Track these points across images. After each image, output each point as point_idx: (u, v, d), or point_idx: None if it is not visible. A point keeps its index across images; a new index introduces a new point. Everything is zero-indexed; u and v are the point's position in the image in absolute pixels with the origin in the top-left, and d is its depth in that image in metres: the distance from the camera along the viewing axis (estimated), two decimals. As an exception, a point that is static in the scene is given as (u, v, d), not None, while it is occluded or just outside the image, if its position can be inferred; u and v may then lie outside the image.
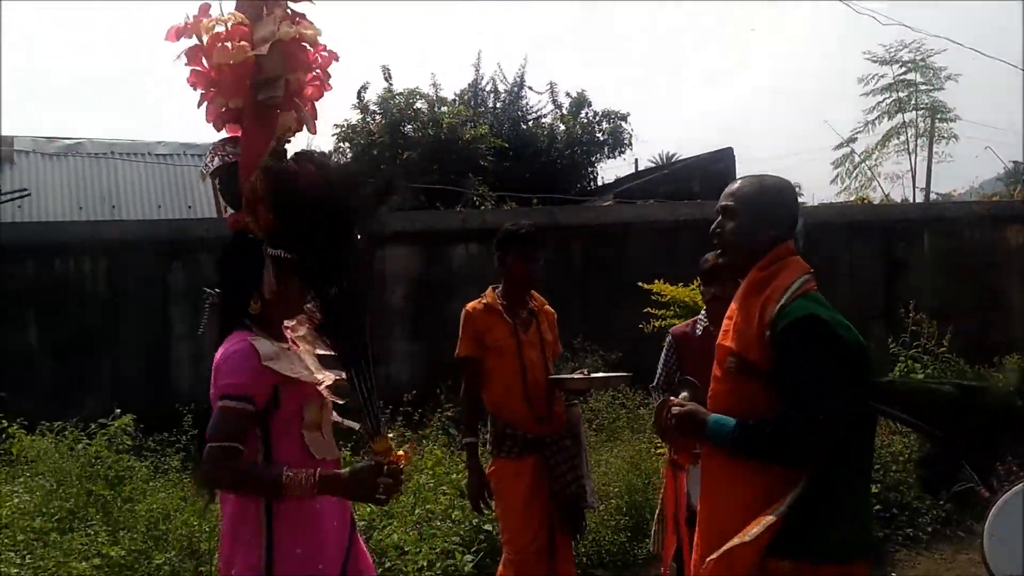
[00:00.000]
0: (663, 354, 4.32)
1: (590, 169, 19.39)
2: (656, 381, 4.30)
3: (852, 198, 17.67)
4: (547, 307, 4.15)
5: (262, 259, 2.39)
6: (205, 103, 2.48)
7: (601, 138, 19.22)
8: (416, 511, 5.79)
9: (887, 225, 11.23)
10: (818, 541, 2.27)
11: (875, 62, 20.33)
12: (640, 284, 6.81)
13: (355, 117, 16.95)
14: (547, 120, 19.25)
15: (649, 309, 6.67)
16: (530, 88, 19.25)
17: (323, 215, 2.33)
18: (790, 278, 2.39)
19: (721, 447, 2.38)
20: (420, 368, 9.16)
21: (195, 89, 2.49)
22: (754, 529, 2.21)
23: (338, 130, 16.83)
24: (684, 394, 2.67)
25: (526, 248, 3.90)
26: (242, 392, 2.27)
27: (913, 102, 20.21)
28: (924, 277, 11.10)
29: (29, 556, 5.18)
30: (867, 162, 20.82)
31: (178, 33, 2.42)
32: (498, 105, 18.92)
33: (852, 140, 20.64)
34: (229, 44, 2.38)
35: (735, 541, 2.22)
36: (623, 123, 19.29)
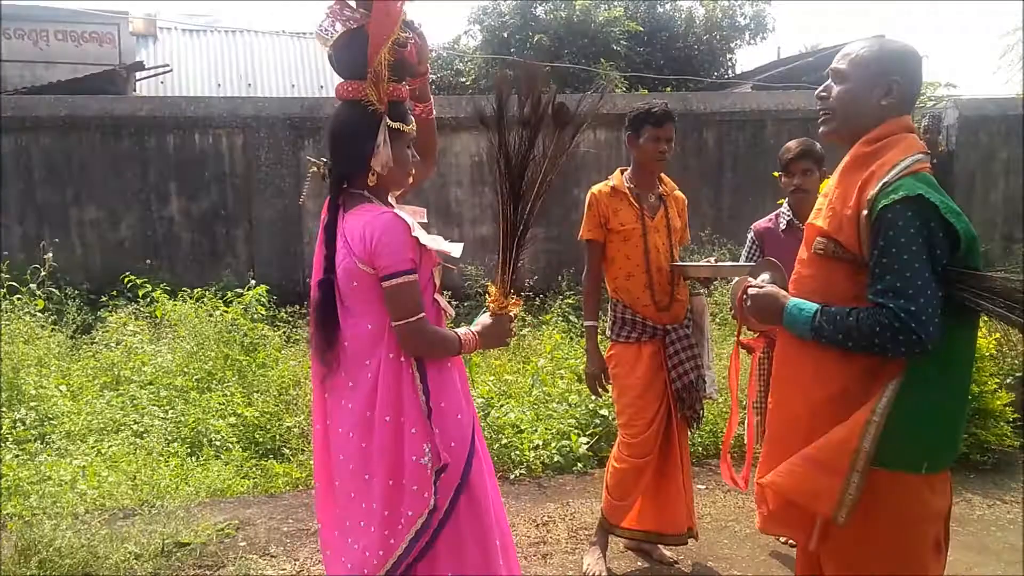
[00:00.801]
0: (744, 250, 4.15)
1: (729, 56, 18.48)
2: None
3: (1016, 92, 16.23)
4: (677, 192, 3.99)
5: (376, 130, 2.38)
6: None
7: (743, 23, 18.24)
8: (534, 392, 5.87)
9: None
10: (906, 446, 2.10)
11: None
12: (776, 174, 6.49)
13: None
14: (685, 3, 18.39)
15: (780, 200, 6.36)
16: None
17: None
18: (900, 155, 2.14)
19: (799, 333, 2.20)
20: (543, 254, 9.14)
21: None
22: (856, 433, 2.09)
23: (469, 12, 16.57)
24: (765, 276, 2.48)
25: (658, 128, 3.72)
26: (411, 266, 2.32)
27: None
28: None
29: (171, 411, 5.55)
30: (1037, 53, 18.99)
31: None
32: (634, -14, 18.17)
33: (1020, 28, 18.84)
34: None
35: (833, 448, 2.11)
36: (766, 7, 18.22)
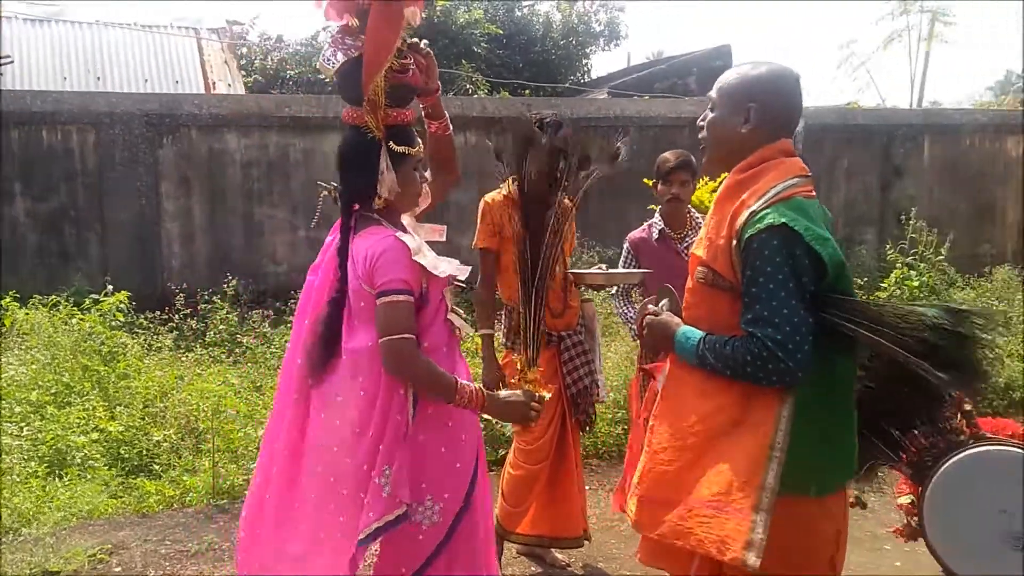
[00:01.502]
0: (621, 261, 4.27)
1: (585, 61, 18.93)
2: (616, 289, 4.29)
3: (850, 100, 17.43)
4: (566, 200, 4.07)
5: (378, 155, 2.45)
6: None
7: (598, 29, 18.71)
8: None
9: (888, 130, 11.09)
10: (795, 470, 2.06)
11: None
12: (645, 180, 6.70)
13: (344, -6, 16.33)
14: (543, 7, 18.70)
15: (652, 206, 6.57)
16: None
17: None
18: (772, 182, 2.13)
19: (687, 360, 2.20)
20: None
21: None
22: (758, 471, 2.04)
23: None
24: (664, 302, 2.49)
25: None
26: (403, 286, 2.35)
27: (919, 4, 19.80)
28: (922, 185, 11.07)
29: (27, 428, 5.17)
30: (866, 64, 20.49)
31: None
32: (493, -11, 18.32)
33: (853, 41, 20.25)
34: None
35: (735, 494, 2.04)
36: (620, 14, 18.78)
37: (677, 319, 2.31)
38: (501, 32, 16.27)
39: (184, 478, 4.91)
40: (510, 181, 3.89)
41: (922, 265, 8.42)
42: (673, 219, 4.11)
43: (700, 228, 4.08)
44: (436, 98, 2.70)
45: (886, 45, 20.43)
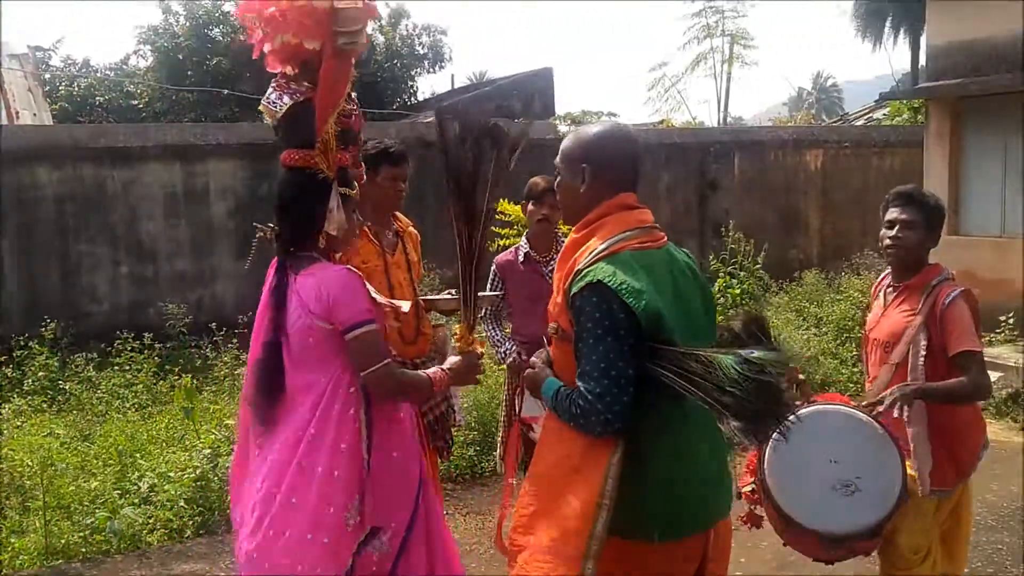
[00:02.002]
0: (488, 284, 4.32)
1: (410, 83, 19.00)
2: (483, 312, 4.36)
3: (663, 120, 18.36)
4: (411, 228, 4.07)
5: (326, 196, 2.53)
6: (261, 36, 2.60)
7: (421, 52, 18.82)
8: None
9: (701, 148, 11.77)
10: (634, 516, 2.14)
11: (688, -12, 21.08)
12: (521, 204, 6.81)
13: (156, 18, 15.68)
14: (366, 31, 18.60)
15: (493, 228, 6.68)
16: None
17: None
18: (603, 238, 2.22)
19: (550, 408, 2.29)
20: (251, 288, 8.77)
21: (248, 22, 2.63)
22: (588, 520, 2.12)
23: (138, 32, 15.50)
24: (544, 352, 2.54)
25: (396, 167, 3.78)
26: (369, 316, 2.44)
27: (720, 28, 21.14)
28: (734, 198, 11.81)
29: None
30: (676, 86, 21.68)
31: None
32: (313, 11, 18.05)
33: (664, 64, 21.37)
34: None
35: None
36: (443, 37, 18.98)
37: (548, 370, 2.37)
38: (325, 55, 16.08)
39: (12, 540, 4.54)
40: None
41: (742, 273, 8.98)
42: (540, 241, 4.19)
43: None
44: (359, 147, 2.83)
45: (693, 67, 21.64)
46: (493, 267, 4.32)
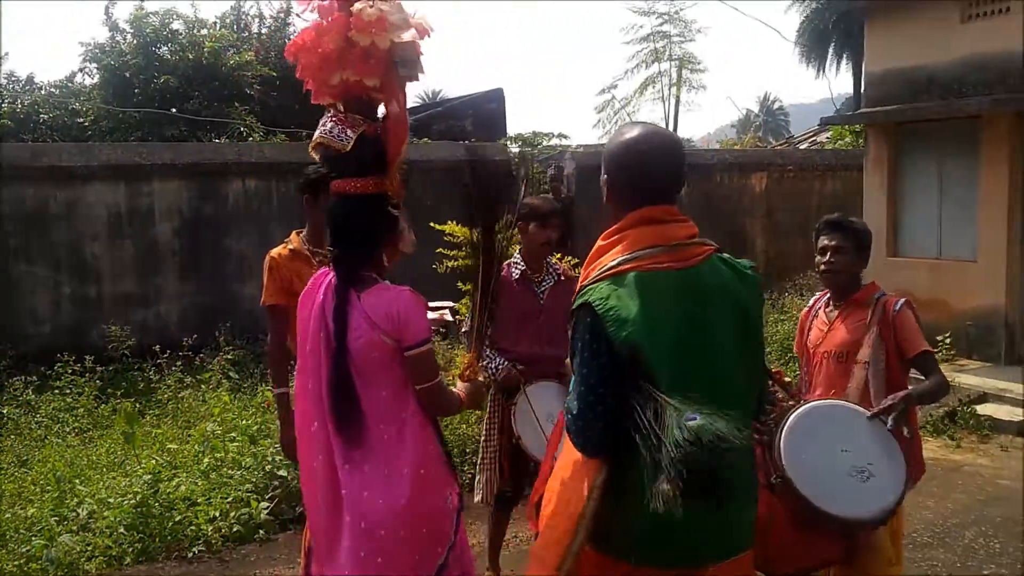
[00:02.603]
0: None
1: (361, 103, 18.93)
2: (466, 328, 4.36)
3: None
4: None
5: (395, 219, 2.76)
6: (317, 73, 2.78)
7: (372, 71, 18.79)
8: (205, 460, 5.56)
9: (650, 170, 11.90)
10: (613, 532, 2.15)
11: (636, 12, 21.48)
12: (432, 225, 6.82)
13: (103, 35, 15.46)
14: (317, 50, 18.51)
15: (441, 250, 6.70)
16: (297, 15, 18.40)
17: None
18: (616, 255, 2.15)
19: None
20: (193, 309, 8.69)
21: (302, 60, 2.79)
22: (568, 536, 2.15)
23: (84, 49, 15.25)
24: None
25: None
26: (429, 335, 2.64)
27: (668, 52, 21.48)
28: (682, 219, 11.95)
29: None
30: (626, 108, 21.94)
31: (321, 12, 2.77)
32: (263, 31, 17.93)
33: (613, 87, 21.63)
34: (377, 29, 2.69)
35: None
36: (395, 57, 18.96)
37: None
38: (275, 74, 15.97)
39: None
40: (295, 234, 3.85)
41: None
42: (534, 262, 4.20)
43: (554, 274, 4.21)
44: None
45: (641, 90, 21.93)
46: None
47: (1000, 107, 8.60)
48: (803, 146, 18.11)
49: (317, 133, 2.83)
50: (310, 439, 2.67)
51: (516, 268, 4.21)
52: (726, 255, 2.24)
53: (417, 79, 2.80)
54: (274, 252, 3.78)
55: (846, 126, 15.23)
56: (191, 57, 14.83)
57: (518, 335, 4.13)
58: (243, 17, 17.85)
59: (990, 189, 8.94)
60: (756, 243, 12.61)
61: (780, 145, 20.99)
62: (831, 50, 27.83)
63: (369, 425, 2.59)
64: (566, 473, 2.23)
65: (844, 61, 27.24)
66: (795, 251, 12.50)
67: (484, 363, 4.33)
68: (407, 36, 2.74)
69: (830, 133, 16.93)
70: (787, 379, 3.25)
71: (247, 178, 8.86)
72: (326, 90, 2.83)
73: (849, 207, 12.30)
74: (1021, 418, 7.29)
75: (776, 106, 56.96)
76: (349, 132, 2.75)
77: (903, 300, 3.37)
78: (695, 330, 2.10)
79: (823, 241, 3.48)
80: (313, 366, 2.65)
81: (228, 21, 17.45)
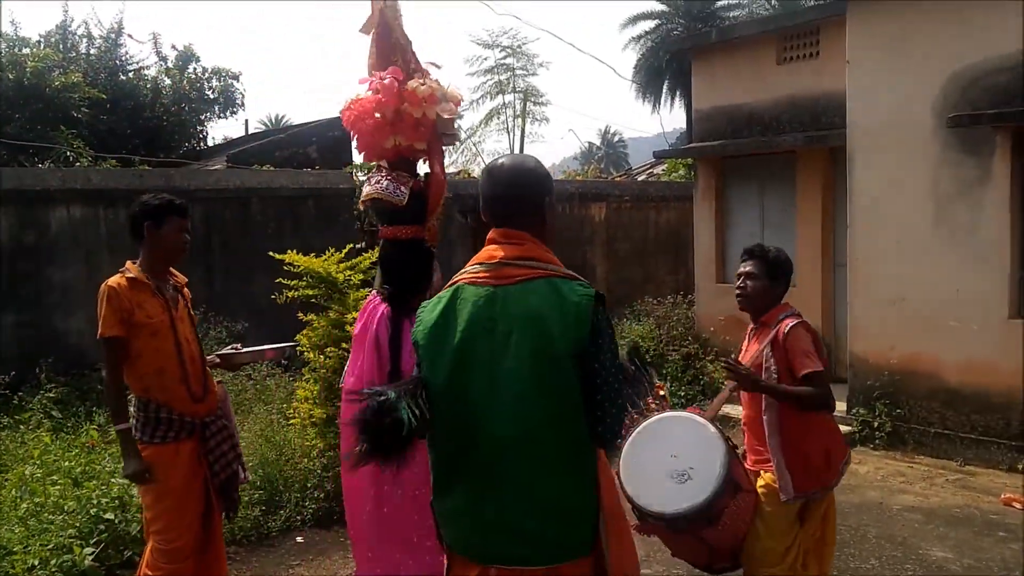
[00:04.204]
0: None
1: (199, 128, 18.34)
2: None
3: (460, 171, 18.75)
4: (183, 278, 3.97)
5: (432, 260, 3.42)
6: (371, 138, 3.55)
7: (211, 96, 18.25)
8: (23, 505, 5.20)
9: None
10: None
11: (480, 45, 21.88)
12: (272, 254, 6.68)
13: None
14: (151, 73, 17.82)
15: (281, 280, 6.57)
16: (130, 36, 17.71)
17: None
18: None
19: None
20: (12, 344, 8.10)
21: (357, 128, 3.55)
22: None
23: None
24: None
25: (183, 218, 3.70)
26: None
27: (512, 85, 21.97)
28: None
29: None
30: (472, 139, 22.24)
31: (384, 91, 3.49)
32: (92, 52, 17.10)
33: (459, 117, 21.87)
34: (428, 103, 3.42)
35: None
36: (235, 82, 18.50)
37: None
38: (104, 97, 15.25)
39: None
40: (131, 263, 3.71)
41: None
42: None
43: None
44: None
45: (487, 121, 22.30)
46: None
47: (813, 143, 9.29)
48: (641, 178, 18.89)
49: (372, 189, 3.40)
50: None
51: None
52: (563, 281, 2.27)
53: (457, 143, 3.28)
54: (112, 281, 3.62)
55: (680, 159, 16.00)
56: (11, 77, 13.97)
57: None
58: (70, 36, 16.99)
59: (806, 219, 9.62)
60: (597, 270, 13.02)
61: (619, 177, 21.81)
62: (665, 87, 29.19)
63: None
64: None
65: (678, 98, 28.61)
66: (633, 277, 13.00)
67: None
68: (450, 109, 3.41)
69: (666, 165, 17.74)
70: (662, 392, 3.55)
71: (72, 205, 8.39)
72: (379, 151, 3.49)
73: (682, 236, 12.96)
74: (845, 433, 7.82)
75: (616, 139, 59.10)
76: (403, 189, 3.37)
77: (795, 323, 3.54)
78: (480, 338, 2.23)
79: (739, 268, 3.74)
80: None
81: (53, 40, 16.58)
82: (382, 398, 2.21)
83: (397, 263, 3.36)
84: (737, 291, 3.72)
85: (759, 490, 3.51)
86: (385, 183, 3.35)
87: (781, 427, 3.48)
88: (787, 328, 3.53)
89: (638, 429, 3.37)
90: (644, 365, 2.72)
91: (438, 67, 3.64)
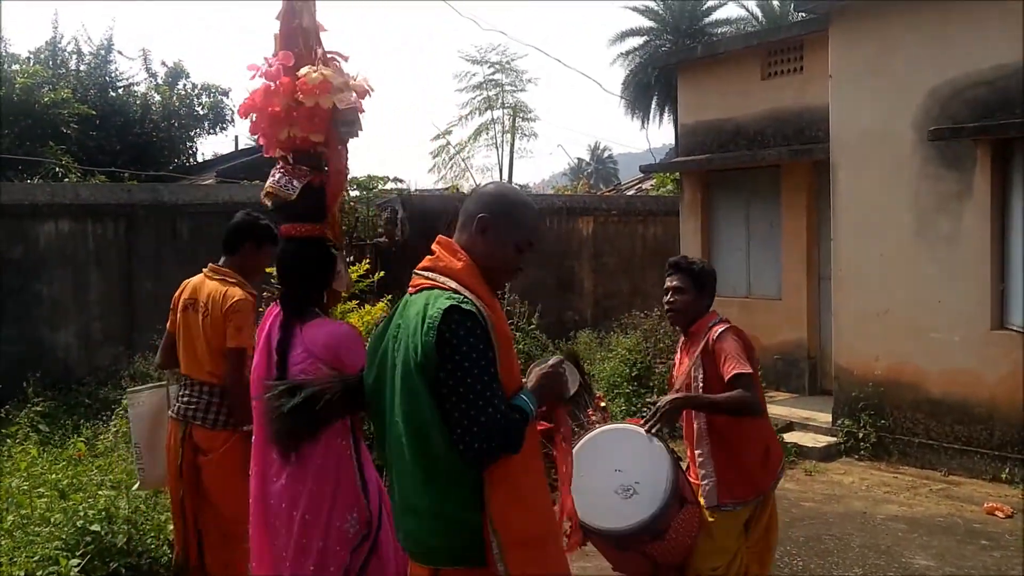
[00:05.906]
0: None
1: (189, 144, 18.40)
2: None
3: (447, 186, 18.83)
4: None
5: (333, 260, 3.14)
6: (267, 130, 3.21)
7: (201, 112, 18.32)
8: (9, 518, 5.20)
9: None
10: None
11: (468, 61, 22.00)
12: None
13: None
14: (140, 89, 17.89)
15: (267, 291, 6.59)
16: (120, 52, 17.76)
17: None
18: None
19: None
20: (2, 358, 8.10)
21: (251, 118, 3.23)
22: None
23: None
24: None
25: (274, 247, 3.77)
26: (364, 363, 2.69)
27: (500, 101, 22.08)
28: (513, 262, 12.22)
29: None
30: (460, 154, 22.31)
31: (265, 76, 3.21)
32: (82, 68, 17.17)
33: (448, 133, 21.98)
34: (320, 91, 3.10)
35: None
36: (225, 98, 18.58)
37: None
38: (93, 113, 15.31)
39: None
40: (229, 275, 3.85)
41: (518, 334, 9.33)
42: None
43: None
44: None
45: (475, 137, 22.40)
46: None
47: (797, 157, 9.39)
48: (630, 192, 19.00)
49: (267, 183, 3.17)
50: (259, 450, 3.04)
51: None
52: (438, 293, 2.27)
53: (357, 136, 3.14)
54: (244, 295, 3.90)
55: (667, 174, 16.11)
56: (1, 93, 14.01)
57: None
58: (59, 53, 17.05)
59: (791, 232, 9.70)
60: (584, 284, 13.09)
61: (608, 192, 21.92)
62: (654, 103, 29.37)
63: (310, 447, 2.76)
64: None
65: (666, 113, 28.79)
66: (620, 291, 13.06)
67: None
68: (347, 98, 3.14)
69: (655, 180, 17.84)
70: (603, 404, 3.48)
71: (60, 220, 8.41)
72: (276, 144, 3.20)
73: (670, 250, 13.02)
74: (824, 444, 7.89)
75: (606, 155, 59.37)
76: (295, 183, 3.11)
77: (723, 328, 3.50)
78: (389, 343, 2.35)
79: (666, 282, 3.66)
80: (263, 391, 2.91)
81: (43, 56, 16.64)
82: (294, 384, 2.50)
83: (290, 262, 3.08)
84: (666, 306, 3.65)
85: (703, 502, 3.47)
86: (278, 176, 3.13)
87: (712, 435, 3.46)
88: (716, 334, 3.48)
89: (580, 443, 3.25)
90: (582, 374, 2.68)
91: (344, 58, 3.32)
